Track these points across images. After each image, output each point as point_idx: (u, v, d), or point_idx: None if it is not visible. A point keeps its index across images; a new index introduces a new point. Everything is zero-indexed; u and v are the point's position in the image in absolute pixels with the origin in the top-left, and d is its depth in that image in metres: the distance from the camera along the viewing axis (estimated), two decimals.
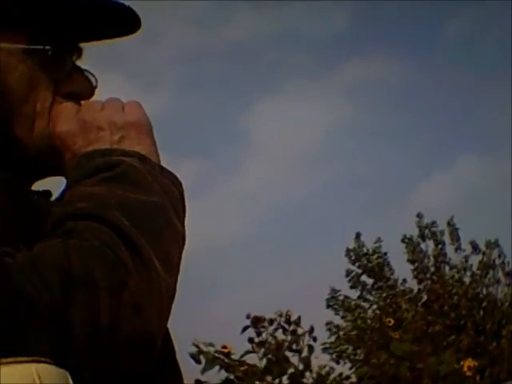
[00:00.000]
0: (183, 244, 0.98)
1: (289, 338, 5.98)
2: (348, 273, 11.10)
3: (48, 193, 1.10)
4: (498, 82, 14.40)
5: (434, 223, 11.25)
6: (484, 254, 11.06)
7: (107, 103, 1.06)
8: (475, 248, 11.11)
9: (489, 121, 14.47)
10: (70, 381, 0.72)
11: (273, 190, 15.35)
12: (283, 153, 14.88)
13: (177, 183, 1.03)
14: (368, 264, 11.10)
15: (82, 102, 1.07)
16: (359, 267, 11.18)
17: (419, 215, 11.25)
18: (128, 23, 1.13)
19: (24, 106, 1.05)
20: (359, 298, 11.17)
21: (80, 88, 1.10)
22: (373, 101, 14.86)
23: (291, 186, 15.25)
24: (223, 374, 5.49)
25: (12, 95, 1.04)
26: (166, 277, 0.91)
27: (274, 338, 5.94)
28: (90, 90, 1.11)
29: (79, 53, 1.13)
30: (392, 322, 6.48)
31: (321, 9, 14.90)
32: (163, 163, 1.06)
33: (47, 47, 1.06)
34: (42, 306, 0.80)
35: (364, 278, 11.22)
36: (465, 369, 4.86)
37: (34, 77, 1.06)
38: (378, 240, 11.22)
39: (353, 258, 11.17)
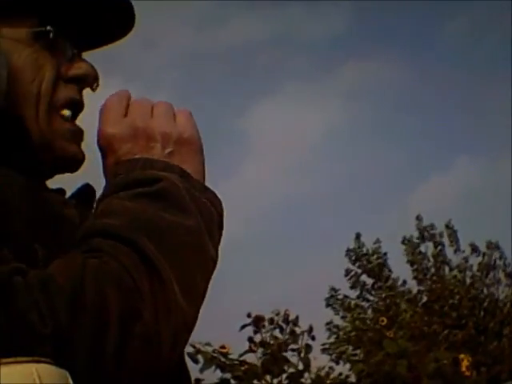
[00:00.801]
0: (213, 268, 0.96)
1: (286, 337, 5.98)
2: (347, 272, 11.09)
3: (62, 191, 1.11)
4: (497, 83, 14.43)
5: (432, 225, 11.25)
6: (484, 254, 11.05)
7: (158, 108, 1.04)
8: (475, 250, 11.10)
9: (488, 122, 14.47)
10: (70, 381, 0.72)
11: (272, 190, 15.35)
12: (282, 154, 14.88)
13: (217, 203, 1.01)
14: (368, 264, 11.10)
15: (131, 102, 1.05)
16: (359, 267, 11.17)
17: (418, 217, 11.25)
18: (125, 18, 1.15)
19: (30, 86, 1.06)
20: (358, 297, 11.17)
21: (83, 72, 1.10)
22: (371, 102, 14.88)
23: (290, 187, 15.24)
24: (220, 374, 5.49)
25: (19, 77, 1.05)
26: (187, 306, 0.88)
27: (274, 337, 5.93)
28: (94, 73, 1.11)
29: (78, 44, 1.14)
30: (385, 321, 6.48)
31: (319, 11, 14.93)
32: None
33: (49, 28, 1.08)
34: (44, 336, 0.77)
35: (364, 277, 11.22)
36: (463, 368, 4.86)
37: (38, 59, 1.07)
38: (377, 241, 11.22)
39: (353, 258, 11.17)
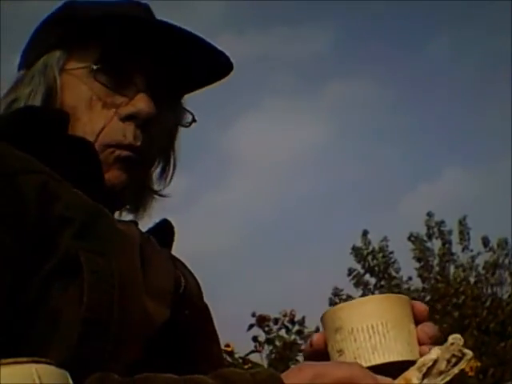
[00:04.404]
0: None
1: (292, 337, 5.98)
2: (350, 272, 11.07)
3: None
4: (481, 100, 14.57)
5: (442, 222, 11.21)
6: (494, 252, 10.98)
7: None
8: (486, 245, 11.02)
9: (488, 122, 14.55)
10: (70, 381, 0.72)
11: (271, 192, 15.41)
12: (269, 165, 15.01)
13: None
14: (373, 261, 11.07)
15: None
16: (364, 266, 11.15)
17: (429, 214, 11.20)
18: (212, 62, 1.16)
19: (76, 124, 1.08)
20: (362, 297, 11.11)
21: (136, 110, 1.11)
22: (355, 118, 15.02)
23: (287, 190, 15.33)
24: None
25: (73, 114, 1.08)
26: None
27: (279, 337, 5.93)
28: (147, 110, 1.11)
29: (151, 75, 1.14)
30: None
31: (303, 31, 15.15)
32: None
33: (108, 66, 1.10)
34: None
35: (367, 277, 11.19)
36: (467, 369, 4.84)
37: (92, 98, 1.09)
38: (385, 239, 11.20)
39: (358, 256, 11.14)
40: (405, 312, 0.97)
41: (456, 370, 0.89)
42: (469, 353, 0.90)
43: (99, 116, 1.09)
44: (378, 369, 0.92)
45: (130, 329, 0.94)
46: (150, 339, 0.97)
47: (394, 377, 0.92)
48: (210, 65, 1.16)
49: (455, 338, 0.90)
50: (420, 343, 0.97)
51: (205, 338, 1.15)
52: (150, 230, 1.15)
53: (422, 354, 0.95)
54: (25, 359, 0.68)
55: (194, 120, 1.20)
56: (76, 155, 1.04)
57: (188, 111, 1.21)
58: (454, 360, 0.89)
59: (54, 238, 0.91)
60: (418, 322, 0.98)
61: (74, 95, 1.09)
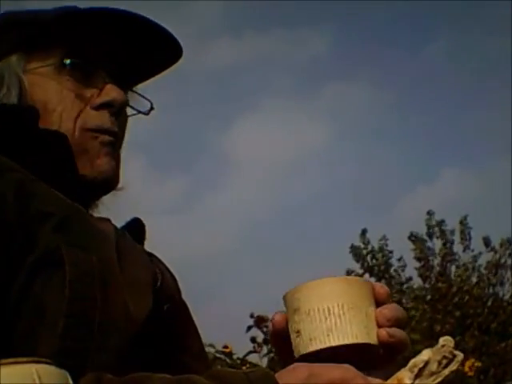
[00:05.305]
0: None
1: None
2: (348, 273, 11.06)
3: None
4: (481, 100, 14.62)
5: (443, 222, 11.20)
6: (496, 252, 10.97)
7: None
8: (487, 245, 11.01)
9: (487, 121, 14.59)
10: (70, 381, 0.72)
11: (270, 193, 15.45)
12: (268, 167, 15.06)
13: None
14: (373, 261, 11.07)
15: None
16: (363, 265, 11.15)
17: (429, 213, 11.19)
18: (168, 49, 1.19)
19: (51, 115, 1.10)
20: None
21: (109, 98, 1.14)
22: (354, 119, 15.07)
23: (286, 191, 15.36)
24: None
25: (44, 109, 1.10)
26: None
27: None
28: (121, 99, 1.15)
29: (113, 69, 1.17)
30: None
31: (301, 34, 15.19)
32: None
33: (70, 61, 1.12)
34: None
35: (366, 277, 11.19)
36: (466, 369, 4.84)
37: (63, 91, 1.12)
38: (383, 238, 11.19)
39: (357, 255, 11.13)
40: (363, 294, 0.96)
41: (447, 372, 0.90)
42: (459, 354, 0.91)
43: (73, 104, 1.12)
44: (336, 351, 0.93)
45: (113, 320, 0.95)
46: (133, 331, 0.97)
47: (352, 359, 0.92)
48: (167, 51, 1.20)
49: (446, 340, 0.91)
50: (378, 326, 0.96)
51: (185, 332, 1.16)
52: (122, 228, 1.16)
53: (378, 337, 0.95)
54: (25, 359, 0.69)
55: (152, 108, 1.23)
56: (49, 148, 1.06)
57: (146, 99, 1.23)
58: (444, 361, 0.90)
59: (34, 233, 0.93)
60: (379, 304, 0.98)
61: (44, 91, 1.12)
